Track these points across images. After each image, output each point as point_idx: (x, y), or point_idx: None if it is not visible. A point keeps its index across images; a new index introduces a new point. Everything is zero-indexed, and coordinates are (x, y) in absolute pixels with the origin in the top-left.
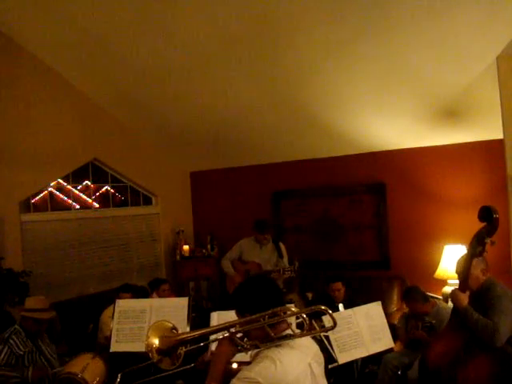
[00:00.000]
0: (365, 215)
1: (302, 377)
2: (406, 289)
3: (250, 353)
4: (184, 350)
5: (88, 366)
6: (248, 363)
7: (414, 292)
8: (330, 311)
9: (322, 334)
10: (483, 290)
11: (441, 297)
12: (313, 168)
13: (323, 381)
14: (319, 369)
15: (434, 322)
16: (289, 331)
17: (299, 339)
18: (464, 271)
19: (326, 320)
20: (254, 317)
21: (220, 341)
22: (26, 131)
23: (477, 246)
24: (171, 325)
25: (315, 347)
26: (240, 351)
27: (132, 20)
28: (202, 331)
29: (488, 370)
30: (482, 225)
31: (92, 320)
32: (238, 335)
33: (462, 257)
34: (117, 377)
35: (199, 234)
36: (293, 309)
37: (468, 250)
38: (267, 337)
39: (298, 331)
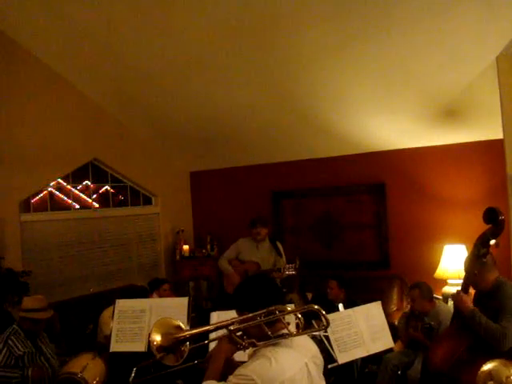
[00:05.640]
0: (365, 215)
1: (298, 376)
2: (416, 283)
3: (247, 351)
4: (189, 346)
5: (88, 366)
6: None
7: (424, 288)
8: (323, 311)
9: (321, 334)
10: (493, 290)
11: (441, 297)
12: (313, 168)
13: (321, 382)
14: (317, 370)
15: (433, 323)
16: (285, 330)
17: (297, 339)
18: (470, 272)
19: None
20: (250, 315)
21: (219, 339)
22: (25, 131)
23: (481, 247)
24: (177, 323)
25: (314, 348)
26: (239, 349)
27: (132, 20)
28: (202, 329)
29: None
30: (484, 225)
31: (92, 320)
32: (238, 334)
33: (468, 257)
34: (131, 372)
35: (199, 234)
36: (288, 308)
37: (472, 251)
38: (265, 335)
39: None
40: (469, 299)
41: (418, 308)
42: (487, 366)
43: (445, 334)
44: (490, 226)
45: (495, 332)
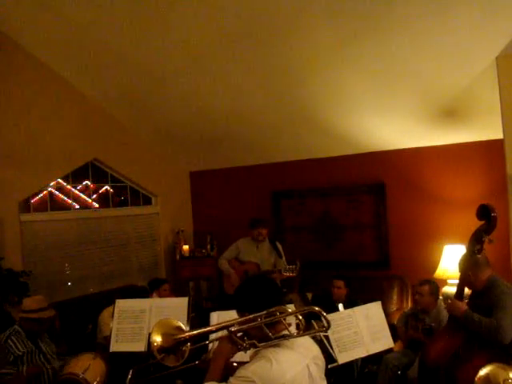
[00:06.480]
0: (365, 215)
1: (299, 377)
2: (427, 279)
3: (248, 352)
4: (189, 347)
5: (89, 367)
6: (247, 363)
7: (434, 286)
8: (324, 313)
9: (321, 334)
10: (486, 288)
11: (441, 297)
12: (313, 168)
13: (322, 382)
14: (318, 371)
15: (434, 325)
16: (286, 331)
17: (299, 340)
18: (464, 274)
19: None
20: (251, 316)
21: (220, 340)
22: (25, 131)
23: (475, 244)
24: (178, 324)
25: (316, 349)
26: (240, 350)
27: (132, 19)
28: (202, 330)
29: None
30: (481, 223)
31: (92, 320)
32: (238, 334)
33: (462, 257)
34: (128, 373)
35: (199, 234)
36: (288, 309)
37: (467, 248)
38: (266, 336)
39: (296, 332)
40: (461, 303)
41: (424, 304)
42: (485, 370)
43: (442, 331)
44: (483, 222)
45: (490, 326)
